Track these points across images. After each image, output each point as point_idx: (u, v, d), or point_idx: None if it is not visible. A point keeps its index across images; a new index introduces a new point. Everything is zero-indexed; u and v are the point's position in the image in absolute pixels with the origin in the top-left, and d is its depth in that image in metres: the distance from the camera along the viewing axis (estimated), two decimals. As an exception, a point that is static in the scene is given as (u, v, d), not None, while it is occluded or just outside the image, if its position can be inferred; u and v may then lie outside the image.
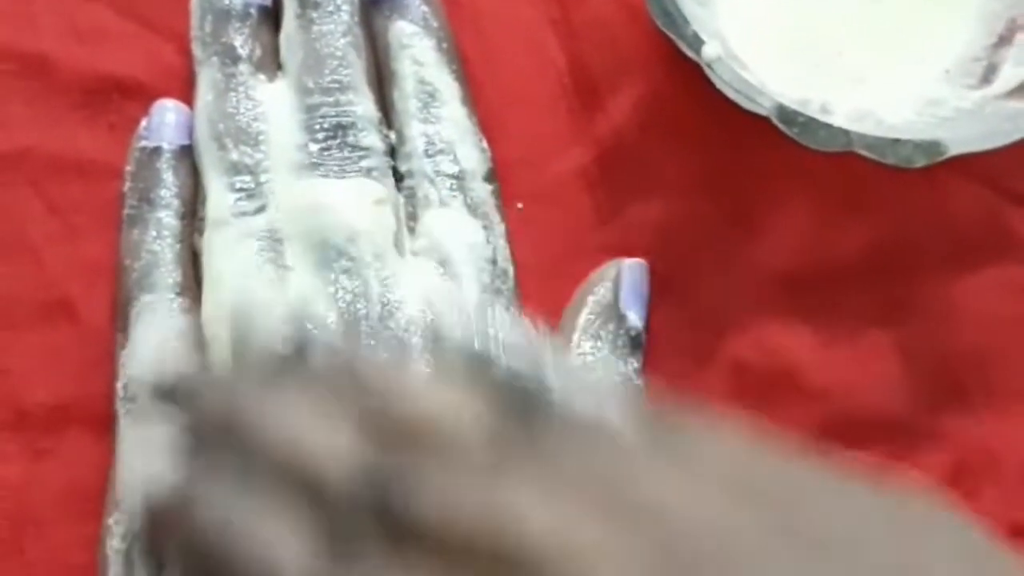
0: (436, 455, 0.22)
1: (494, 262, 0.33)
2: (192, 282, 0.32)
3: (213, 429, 0.24)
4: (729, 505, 0.22)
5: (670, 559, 0.21)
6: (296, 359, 0.25)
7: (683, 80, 0.34)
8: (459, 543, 0.21)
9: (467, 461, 0.22)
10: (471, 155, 0.34)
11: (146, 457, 0.26)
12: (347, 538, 0.22)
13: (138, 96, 0.34)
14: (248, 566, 0.22)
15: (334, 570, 0.22)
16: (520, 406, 0.23)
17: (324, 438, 0.23)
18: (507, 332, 0.27)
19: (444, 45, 0.34)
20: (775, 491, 0.22)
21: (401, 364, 0.29)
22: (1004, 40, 0.35)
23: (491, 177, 0.34)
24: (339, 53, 0.33)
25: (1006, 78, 0.34)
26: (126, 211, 0.33)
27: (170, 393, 0.26)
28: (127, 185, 0.33)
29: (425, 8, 0.35)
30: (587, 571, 0.20)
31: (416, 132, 0.33)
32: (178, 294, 0.32)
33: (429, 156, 0.33)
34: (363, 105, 0.33)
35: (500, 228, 0.33)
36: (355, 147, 0.32)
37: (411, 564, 0.21)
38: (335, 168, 0.32)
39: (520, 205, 0.35)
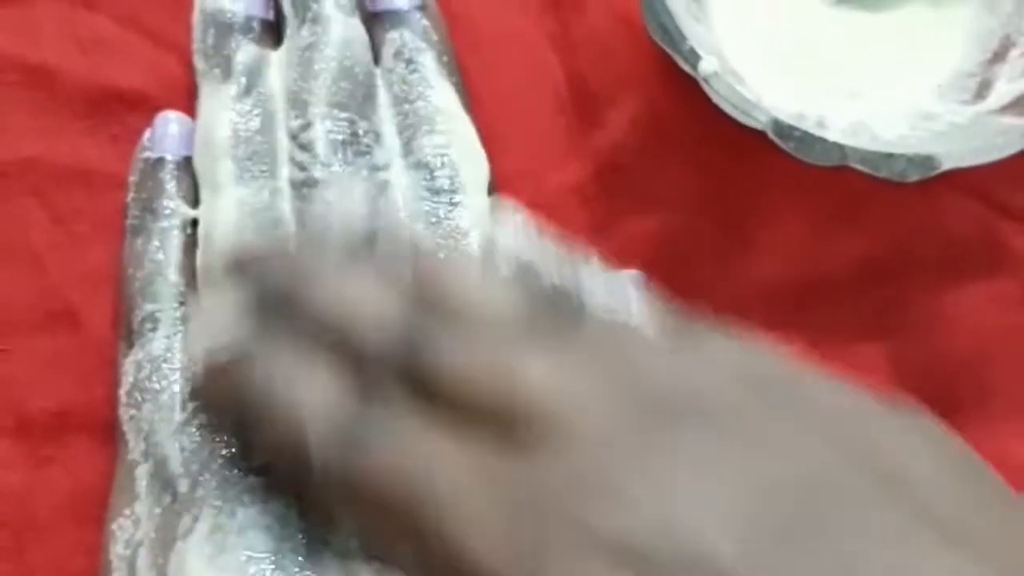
0: (467, 326, 0.25)
1: None
2: (194, 291, 0.32)
3: (276, 297, 0.27)
4: (719, 378, 0.24)
5: (646, 409, 0.23)
6: (363, 245, 0.28)
7: (680, 95, 0.34)
8: (470, 401, 0.24)
9: (493, 334, 0.25)
10: (472, 169, 0.34)
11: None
12: (375, 392, 0.25)
13: (141, 107, 0.35)
14: (281, 411, 0.25)
15: (356, 418, 0.24)
16: (554, 307, 0.26)
17: (370, 306, 0.26)
18: (547, 247, 0.28)
19: (444, 58, 0.35)
20: (775, 378, 0.25)
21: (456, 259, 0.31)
22: (998, 56, 0.35)
23: (490, 190, 0.34)
24: (336, 67, 0.33)
25: (1000, 94, 0.34)
26: (129, 221, 0.33)
27: (243, 264, 0.28)
28: (130, 195, 0.33)
29: (425, 22, 0.35)
30: (574, 422, 0.23)
31: (416, 145, 0.33)
32: (181, 303, 0.32)
33: (430, 169, 0.33)
34: (361, 121, 0.33)
35: None
36: (355, 164, 0.33)
37: (427, 418, 0.24)
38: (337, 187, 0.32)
39: (519, 218, 0.35)
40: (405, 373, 0.24)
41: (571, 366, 0.24)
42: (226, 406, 0.28)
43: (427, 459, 0.23)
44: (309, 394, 0.25)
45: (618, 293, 0.27)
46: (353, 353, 0.25)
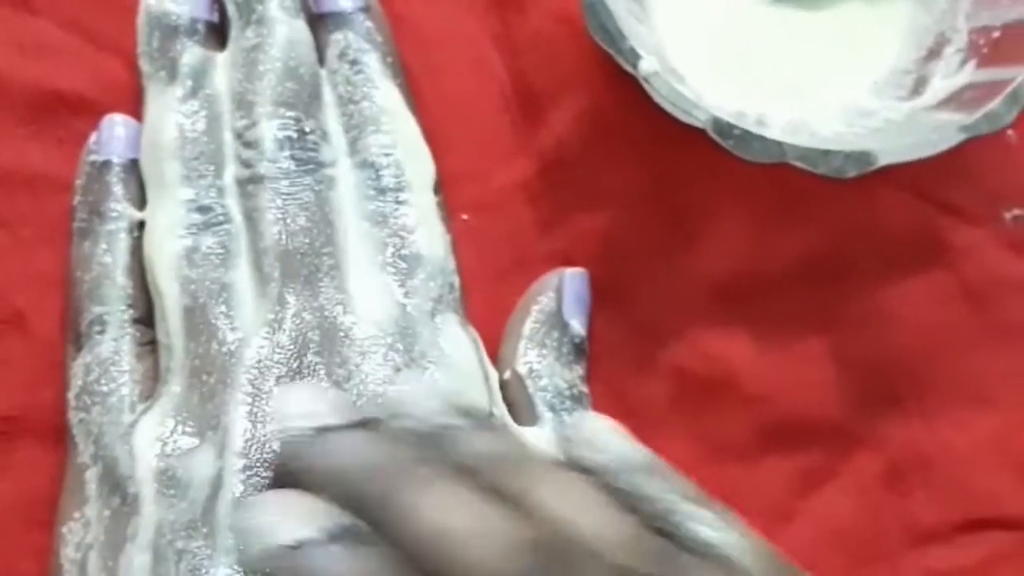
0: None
1: (442, 272, 0.33)
2: (142, 293, 0.32)
3: (356, 501, 0.24)
4: None
5: None
6: (432, 443, 0.26)
7: (623, 94, 0.35)
8: None
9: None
10: (417, 167, 0.34)
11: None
12: None
13: (86, 111, 0.35)
14: None
15: None
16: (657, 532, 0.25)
17: (477, 533, 0.23)
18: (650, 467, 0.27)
19: (389, 59, 0.35)
20: None
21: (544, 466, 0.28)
22: (933, 53, 0.36)
23: (437, 189, 0.34)
24: (281, 67, 0.34)
25: (935, 90, 0.35)
26: (76, 224, 0.33)
27: (316, 468, 0.25)
28: (77, 198, 0.33)
29: (369, 23, 0.35)
30: None
31: (362, 145, 0.34)
32: (129, 305, 0.32)
33: (376, 168, 0.33)
34: (307, 120, 0.33)
35: (446, 239, 0.34)
36: (302, 161, 0.33)
37: None
38: (285, 183, 0.33)
39: (465, 216, 0.35)
40: None
41: None
42: None
43: None
44: None
45: (715, 522, 0.26)
46: None
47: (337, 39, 0.35)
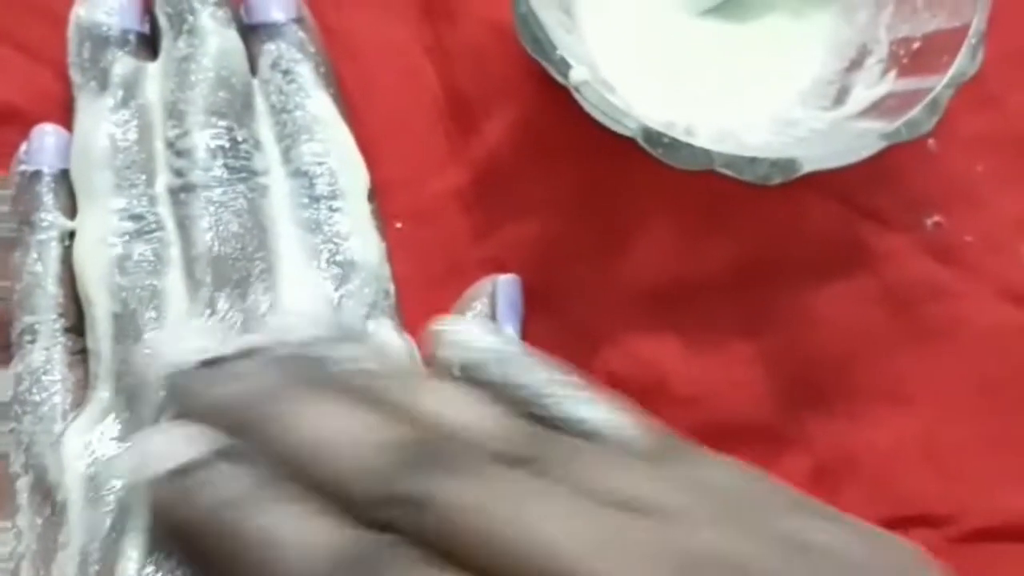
0: (466, 461, 0.24)
1: (376, 279, 0.33)
2: (73, 302, 0.32)
3: (241, 415, 0.26)
4: (735, 528, 0.23)
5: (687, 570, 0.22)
6: (314, 365, 0.27)
7: (554, 103, 0.35)
8: (487, 555, 0.22)
9: (497, 470, 0.24)
10: (351, 176, 0.34)
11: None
12: (367, 537, 0.23)
13: (16, 121, 0.34)
14: (257, 546, 0.24)
15: (351, 565, 0.23)
16: (539, 421, 0.26)
17: (355, 439, 0.24)
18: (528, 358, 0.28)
19: (322, 69, 0.35)
20: (763, 507, 0.25)
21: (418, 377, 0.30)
22: (855, 64, 0.37)
23: (371, 197, 0.35)
24: (213, 77, 0.34)
25: (857, 99, 0.36)
26: (6, 234, 0.33)
27: (188, 388, 0.27)
28: (6, 208, 0.33)
29: (302, 33, 0.35)
30: None
31: (295, 154, 0.34)
32: (60, 315, 0.32)
33: (310, 177, 0.34)
34: (239, 129, 0.33)
35: (381, 246, 0.34)
36: (235, 170, 0.33)
37: (437, 571, 0.22)
38: (218, 191, 0.33)
39: (399, 224, 0.36)
40: (402, 520, 0.23)
41: (593, 515, 0.23)
42: (184, 531, 0.25)
43: None
44: (292, 533, 0.23)
45: (599, 406, 0.27)
46: (336, 491, 0.24)
47: (270, 49, 0.35)
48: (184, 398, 0.28)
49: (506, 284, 0.35)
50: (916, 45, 0.35)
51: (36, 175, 0.33)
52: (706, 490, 0.24)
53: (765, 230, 0.37)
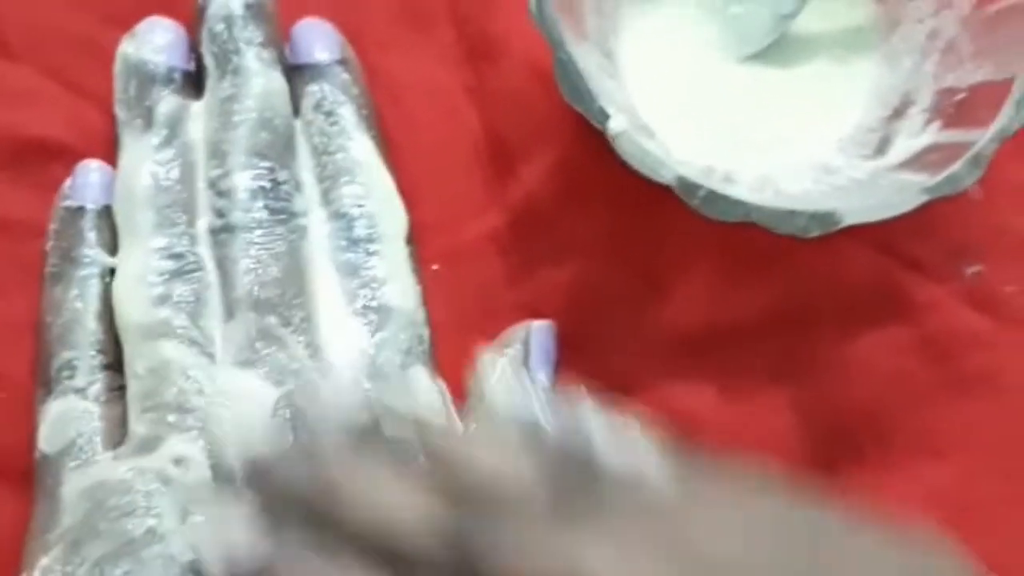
0: (505, 513, 0.24)
1: (412, 323, 0.34)
2: (112, 338, 0.33)
3: (298, 505, 0.25)
4: (772, 551, 0.24)
5: None
6: (366, 432, 0.27)
7: (592, 148, 0.35)
8: None
9: (534, 517, 0.24)
10: (390, 219, 0.34)
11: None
12: None
13: (61, 157, 0.35)
14: None
15: None
16: (571, 465, 0.25)
17: (402, 504, 0.24)
18: (547, 395, 0.28)
19: (364, 111, 0.35)
20: (802, 533, 0.25)
21: (458, 432, 0.30)
22: (898, 113, 0.36)
23: (409, 239, 0.35)
24: (256, 118, 0.34)
25: (898, 150, 0.35)
26: (48, 269, 0.34)
27: (256, 471, 0.26)
28: (50, 243, 0.34)
29: (345, 75, 0.36)
30: None
31: (335, 196, 0.34)
32: (99, 351, 0.32)
33: (349, 219, 0.34)
34: (281, 170, 0.34)
35: (417, 289, 0.34)
36: (275, 211, 0.33)
37: None
38: (258, 232, 0.33)
39: (436, 266, 0.36)
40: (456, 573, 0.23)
41: (631, 557, 0.23)
42: None
43: None
44: None
45: (622, 438, 0.26)
46: (394, 555, 0.24)
47: (313, 91, 0.35)
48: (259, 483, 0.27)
49: (540, 331, 0.35)
50: (961, 96, 0.35)
51: (79, 211, 0.34)
52: (743, 521, 0.25)
53: (801, 277, 0.37)
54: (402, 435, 0.26)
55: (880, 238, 0.37)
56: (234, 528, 0.26)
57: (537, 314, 0.35)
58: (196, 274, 0.33)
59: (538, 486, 0.25)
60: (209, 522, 0.29)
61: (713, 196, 0.32)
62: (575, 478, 0.25)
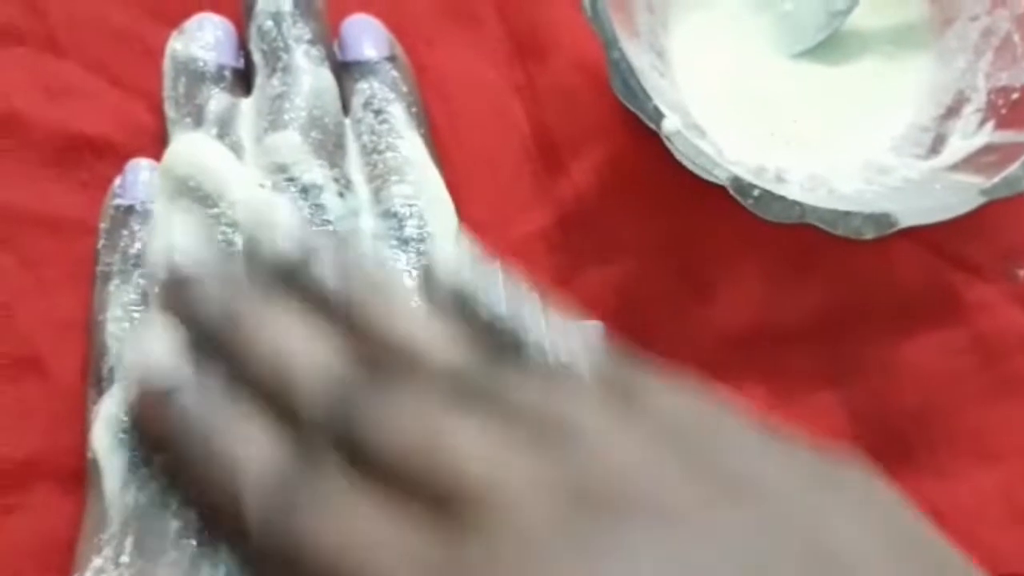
0: (398, 385, 0.25)
1: None
2: None
3: (212, 328, 0.27)
4: (655, 451, 0.23)
5: (583, 499, 0.22)
6: (302, 265, 0.28)
7: (643, 146, 0.35)
8: (405, 475, 0.23)
9: (428, 391, 0.25)
10: (439, 219, 0.34)
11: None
12: (312, 454, 0.25)
13: (110, 154, 0.35)
14: (216, 460, 0.25)
15: (293, 481, 0.24)
16: (496, 343, 0.26)
17: (304, 357, 0.26)
18: (495, 281, 0.28)
19: (413, 109, 0.35)
20: (704, 441, 0.24)
21: (394, 288, 0.30)
22: (952, 112, 0.36)
23: (457, 238, 0.35)
24: (306, 116, 0.34)
25: (953, 150, 0.35)
26: (100, 267, 0.33)
27: (177, 286, 0.28)
28: (101, 242, 0.33)
29: (395, 72, 0.35)
30: (508, 510, 0.22)
31: (385, 195, 0.34)
32: (151, 348, 0.33)
33: (398, 218, 0.34)
34: (333, 168, 0.33)
35: None
36: (321, 208, 0.33)
37: (363, 491, 0.24)
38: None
39: (484, 265, 0.36)
40: (341, 437, 0.24)
41: (508, 441, 0.24)
42: (158, 441, 0.28)
43: (360, 538, 0.23)
44: (245, 449, 0.25)
45: (559, 332, 0.27)
46: (288, 406, 0.25)
47: (363, 88, 0.35)
48: (168, 300, 0.29)
49: (590, 332, 0.34)
50: (1015, 96, 0.34)
51: (130, 209, 0.34)
52: (648, 421, 0.24)
53: (853, 278, 0.36)
54: (332, 281, 0.27)
55: (930, 239, 0.37)
56: (154, 340, 0.27)
57: (586, 313, 0.35)
58: None
59: (447, 357, 0.26)
60: (137, 332, 0.31)
61: (768, 196, 0.31)
62: (494, 356, 0.26)
